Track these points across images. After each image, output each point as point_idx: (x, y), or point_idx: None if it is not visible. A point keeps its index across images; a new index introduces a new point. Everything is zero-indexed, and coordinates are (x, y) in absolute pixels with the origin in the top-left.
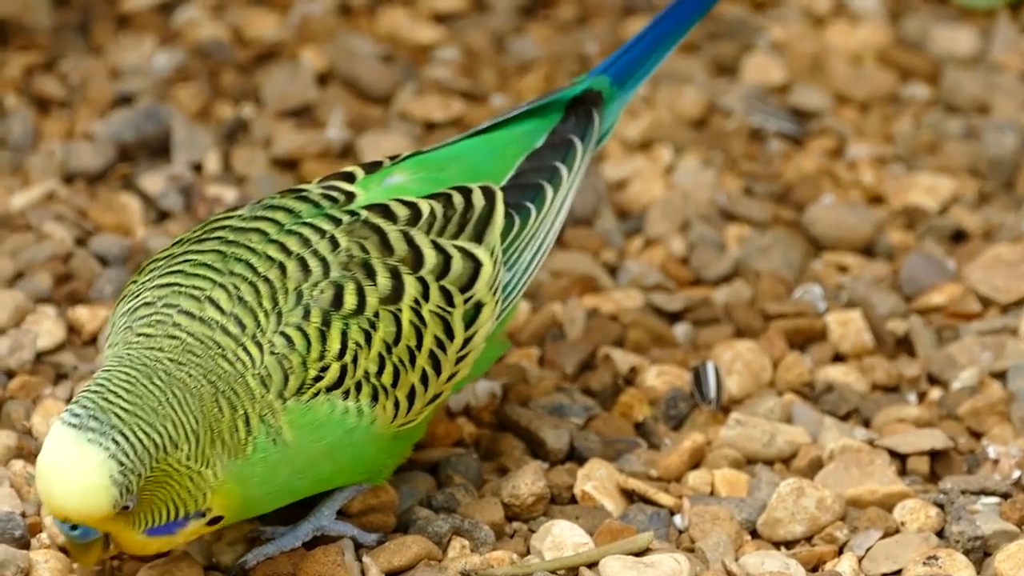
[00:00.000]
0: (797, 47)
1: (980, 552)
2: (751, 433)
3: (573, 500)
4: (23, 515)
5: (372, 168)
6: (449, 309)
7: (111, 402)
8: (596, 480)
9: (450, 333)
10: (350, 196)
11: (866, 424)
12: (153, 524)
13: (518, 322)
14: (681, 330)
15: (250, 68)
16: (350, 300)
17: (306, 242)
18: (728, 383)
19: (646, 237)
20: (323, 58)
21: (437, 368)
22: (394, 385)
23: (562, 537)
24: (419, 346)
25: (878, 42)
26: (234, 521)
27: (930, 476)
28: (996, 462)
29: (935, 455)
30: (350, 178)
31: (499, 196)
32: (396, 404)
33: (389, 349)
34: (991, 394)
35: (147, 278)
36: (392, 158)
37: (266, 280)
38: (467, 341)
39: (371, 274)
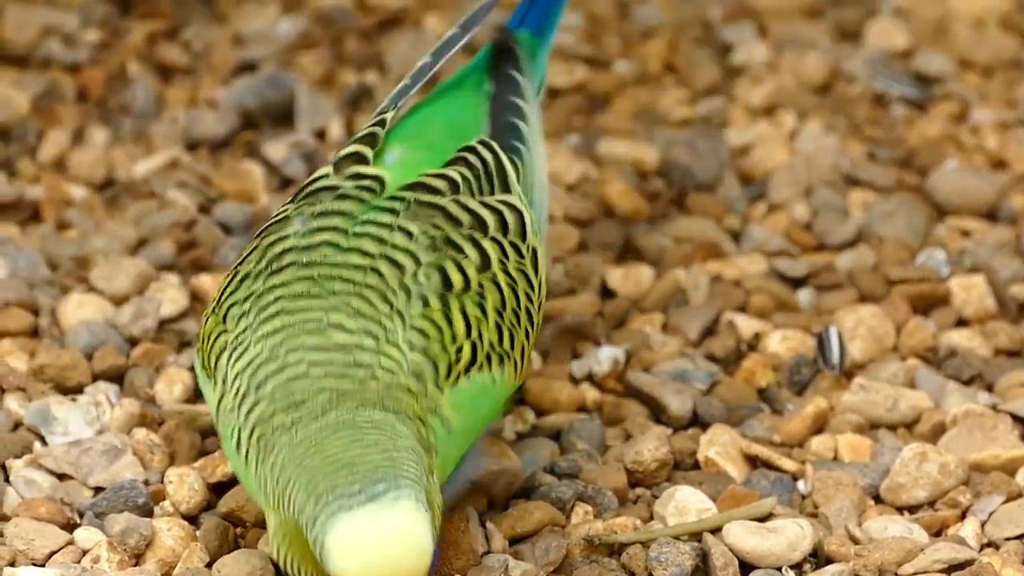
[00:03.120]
0: (920, 12)
1: None
2: (874, 398)
3: (696, 466)
4: (146, 483)
5: (372, 142)
6: (523, 261)
7: (384, 459)
8: (719, 446)
9: (531, 284)
10: (381, 181)
11: (989, 389)
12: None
13: (640, 289)
14: (804, 295)
15: (373, 34)
16: (456, 278)
17: (380, 241)
18: (851, 348)
19: (769, 203)
20: (446, 24)
21: (532, 322)
22: (512, 348)
23: (685, 503)
24: (518, 305)
25: (1001, 7)
26: None
27: None
28: None
29: None
30: (364, 160)
31: (496, 146)
32: (515, 365)
33: (501, 315)
34: None
35: (241, 327)
36: (377, 124)
37: (369, 287)
38: (540, 287)
39: (458, 247)
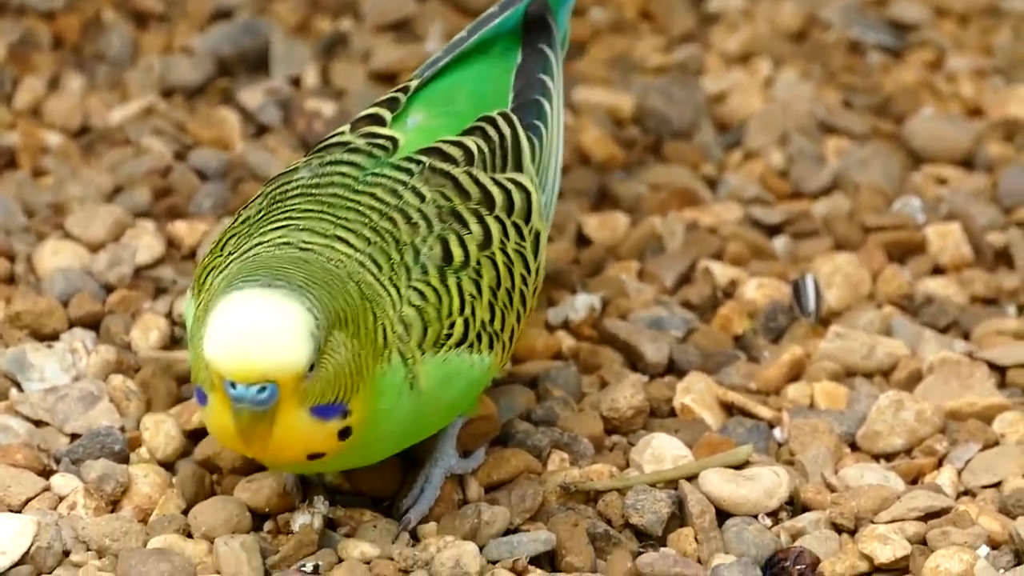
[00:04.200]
0: None
1: None
2: (850, 346)
3: (672, 413)
4: (122, 429)
5: (392, 106)
6: (523, 244)
7: (286, 272)
8: (695, 393)
9: (527, 267)
10: (395, 142)
11: (965, 337)
12: (319, 400)
13: (616, 237)
14: (780, 243)
15: None
16: (457, 253)
17: (394, 193)
18: (827, 296)
19: (745, 150)
20: None
21: (524, 305)
22: (502, 329)
23: (661, 450)
24: (512, 286)
25: None
26: (350, 462)
27: None
28: None
29: None
30: (381, 121)
31: (516, 120)
32: (503, 346)
33: (495, 295)
34: None
35: (234, 245)
36: (400, 90)
37: (384, 229)
38: (537, 272)
39: (464, 222)
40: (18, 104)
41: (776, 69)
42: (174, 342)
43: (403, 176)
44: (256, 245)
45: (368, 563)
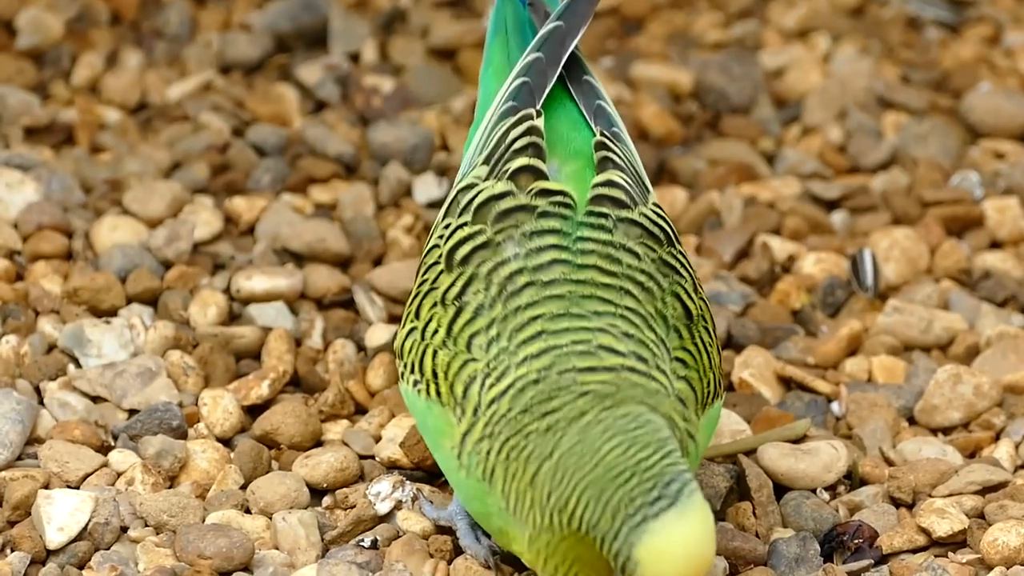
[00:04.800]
0: None
1: None
2: (908, 320)
3: (731, 387)
4: (180, 405)
5: (541, 155)
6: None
7: (667, 462)
8: (753, 367)
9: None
10: (571, 197)
11: (1023, 311)
12: None
13: (674, 212)
14: (838, 217)
15: None
16: (692, 307)
17: (615, 260)
18: (885, 270)
19: (803, 125)
20: None
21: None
22: (721, 365)
23: (720, 424)
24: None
25: None
26: None
27: None
28: None
29: None
30: (544, 175)
31: (610, 138)
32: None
33: (712, 335)
34: None
35: (493, 352)
36: (530, 133)
37: (630, 310)
38: None
39: (675, 269)
40: (76, 80)
41: (834, 45)
42: (232, 318)
43: (606, 236)
44: (527, 383)
45: (426, 538)
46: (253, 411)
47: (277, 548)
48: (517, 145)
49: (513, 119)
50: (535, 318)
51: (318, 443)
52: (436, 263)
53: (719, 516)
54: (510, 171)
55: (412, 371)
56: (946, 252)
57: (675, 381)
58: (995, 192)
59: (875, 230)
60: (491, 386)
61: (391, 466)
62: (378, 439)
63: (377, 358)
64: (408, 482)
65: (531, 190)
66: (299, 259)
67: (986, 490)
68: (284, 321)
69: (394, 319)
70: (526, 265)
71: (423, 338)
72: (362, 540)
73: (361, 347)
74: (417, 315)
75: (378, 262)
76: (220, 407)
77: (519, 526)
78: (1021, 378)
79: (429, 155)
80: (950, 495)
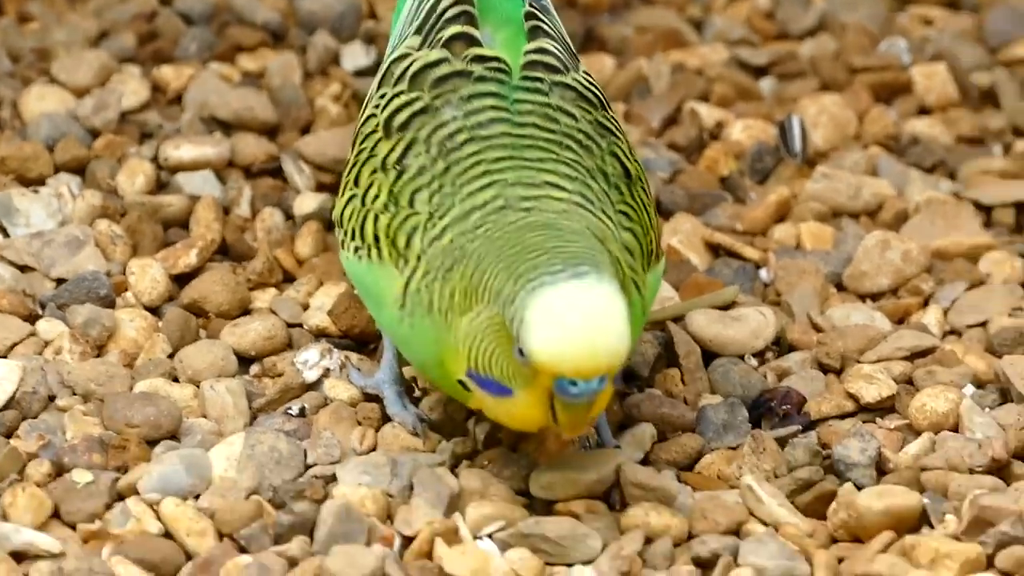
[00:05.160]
0: None
1: None
2: (837, 186)
3: None
4: (108, 274)
5: (473, 22)
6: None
7: (570, 250)
8: (682, 234)
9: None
10: (505, 63)
11: (951, 176)
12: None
13: (602, 79)
14: (766, 84)
15: None
16: (630, 167)
17: (552, 119)
18: (813, 136)
19: None
20: None
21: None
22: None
23: None
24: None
25: None
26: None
27: (1015, 227)
28: None
29: (1020, 206)
30: (477, 42)
31: (538, 9)
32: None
33: (649, 197)
34: None
35: (437, 203)
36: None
37: (571, 161)
38: None
39: (611, 131)
40: None
41: None
42: (160, 187)
43: (543, 98)
44: (474, 209)
45: (354, 406)
46: (181, 280)
47: (205, 416)
48: (449, 14)
49: None
50: (478, 163)
51: (246, 311)
52: (374, 132)
53: (647, 383)
54: (444, 39)
55: (352, 238)
56: (874, 118)
57: (621, 231)
58: (923, 58)
59: (803, 96)
60: (433, 226)
61: (319, 334)
62: (306, 307)
63: (305, 226)
64: (336, 350)
65: (466, 56)
66: (227, 128)
67: (914, 356)
68: (212, 189)
69: (322, 187)
70: (465, 124)
71: (363, 204)
72: (290, 408)
73: (289, 215)
74: (356, 183)
75: (306, 130)
76: (148, 276)
77: (451, 337)
78: (949, 244)
79: (357, 23)
80: (878, 361)
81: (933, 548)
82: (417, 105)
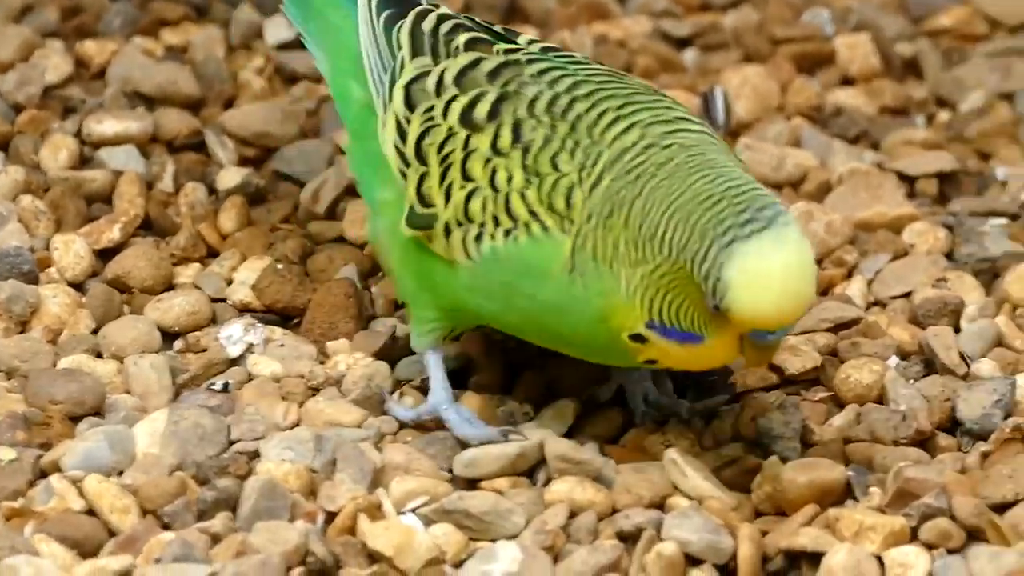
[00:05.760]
0: None
1: (989, 274)
2: (760, 157)
3: None
4: (31, 250)
5: (477, 27)
6: None
7: (756, 192)
8: None
9: None
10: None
11: (875, 147)
12: None
13: None
14: (689, 55)
15: None
16: None
17: (612, 74)
18: (737, 108)
19: None
20: None
21: None
22: None
23: None
24: None
25: None
26: None
27: (939, 198)
28: (1004, 184)
29: (943, 177)
30: (495, 40)
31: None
32: None
33: None
34: (999, 116)
35: (580, 158)
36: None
37: (666, 99)
38: None
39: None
40: None
41: None
42: (83, 162)
43: (585, 62)
44: (623, 151)
45: (278, 381)
46: (105, 255)
47: (129, 392)
48: (444, 29)
49: (411, 18)
50: (603, 113)
51: (170, 287)
52: (451, 136)
53: None
54: (461, 45)
55: (497, 224)
56: (797, 89)
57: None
58: (846, 29)
59: (726, 68)
60: (590, 176)
61: (243, 309)
62: (230, 282)
63: (229, 200)
64: (259, 324)
65: (498, 51)
66: (150, 102)
67: (839, 327)
68: (135, 165)
69: (246, 161)
70: (558, 91)
71: (496, 190)
72: (214, 383)
73: (213, 190)
74: (468, 178)
75: (229, 104)
76: (72, 252)
77: (620, 289)
78: (873, 215)
79: None
80: (802, 333)
81: (857, 520)
82: (491, 96)
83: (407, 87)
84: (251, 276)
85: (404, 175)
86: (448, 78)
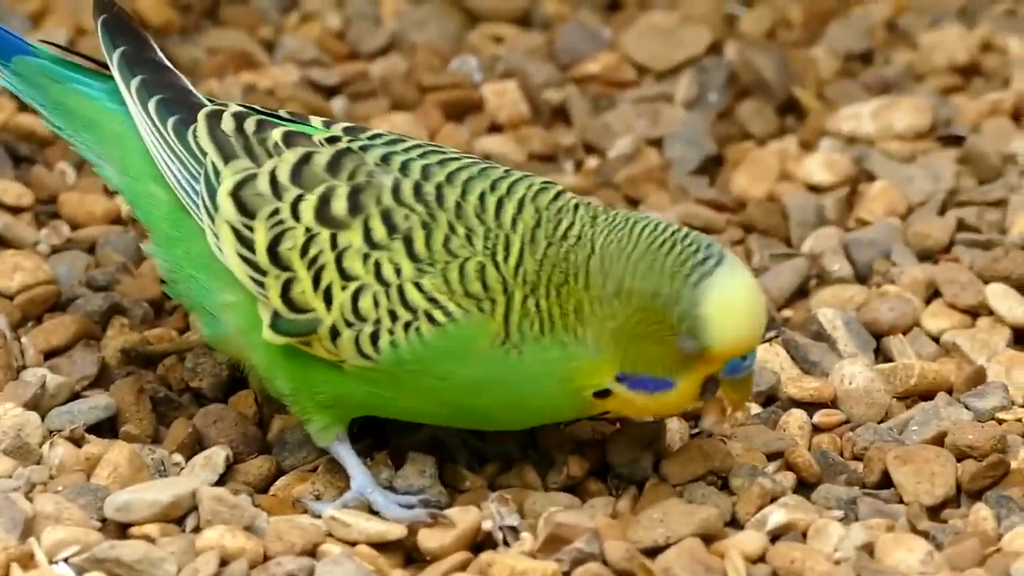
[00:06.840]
0: None
1: None
2: None
3: None
4: None
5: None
6: None
7: (687, 233)
8: None
9: None
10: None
11: None
12: None
13: None
14: (338, 104)
15: None
16: None
17: (444, 151)
18: None
19: (302, 13)
20: None
21: None
22: None
23: None
24: None
25: None
26: None
27: None
28: None
29: None
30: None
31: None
32: None
33: None
34: (648, 161)
35: (480, 237)
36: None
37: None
38: None
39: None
40: None
41: None
42: None
43: (410, 143)
44: (529, 228)
45: None
46: None
47: None
48: (250, 127)
49: (204, 121)
50: (481, 195)
51: None
52: (313, 235)
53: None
54: (276, 142)
55: (394, 318)
56: (446, 136)
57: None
58: (494, 76)
59: (375, 116)
60: (504, 259)
61: None
62: None
63: None
64: None
65: (320, 142)
66: None
67: None
68: None
69: None
70: (414, 177)
71: (386, 284)
72: None
73: None
74: (348, 276)
75: None
76: None
77: (586, 349)
78: None
79: None
80: None
81: (509, 566)
82: (343, 190)
83: (235, 194)
84: None
85: (259, 283)
86: (282, 177)
